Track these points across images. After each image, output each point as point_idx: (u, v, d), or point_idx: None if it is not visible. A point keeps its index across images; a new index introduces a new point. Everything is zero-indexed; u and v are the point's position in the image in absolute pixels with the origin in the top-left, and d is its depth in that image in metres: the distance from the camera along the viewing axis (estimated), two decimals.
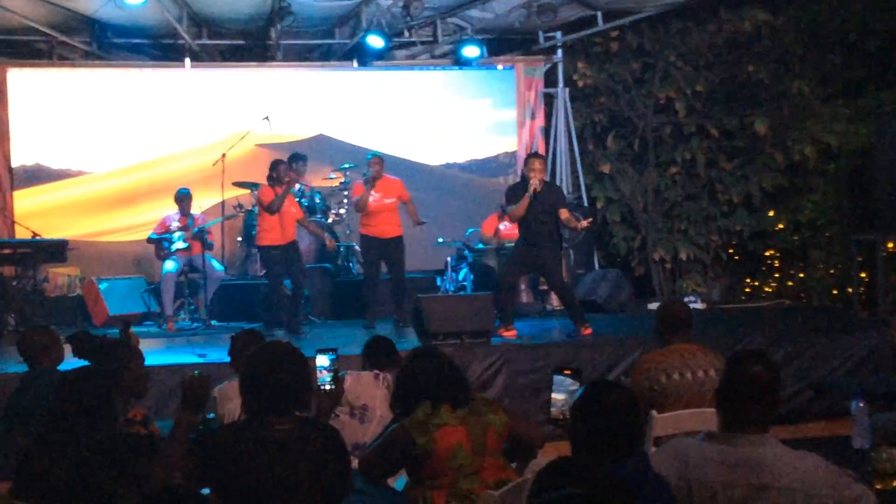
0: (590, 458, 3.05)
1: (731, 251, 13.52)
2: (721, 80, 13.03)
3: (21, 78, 12.22)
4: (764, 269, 13.51)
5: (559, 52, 13.44)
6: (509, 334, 8.95)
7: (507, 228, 11.22)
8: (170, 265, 10.38)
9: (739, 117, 12.96)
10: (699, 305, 11.62)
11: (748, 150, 13.04)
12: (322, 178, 12.29)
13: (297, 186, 10.99)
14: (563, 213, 8.93)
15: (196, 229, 10.46)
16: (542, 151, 13.31)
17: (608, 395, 3.16)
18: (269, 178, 9.94)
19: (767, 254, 13.35)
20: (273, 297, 9.95)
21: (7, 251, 10.25)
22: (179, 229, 10.59)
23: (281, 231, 9.82)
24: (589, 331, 8.98)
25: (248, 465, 3.43)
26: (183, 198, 10.79)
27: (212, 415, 5.03)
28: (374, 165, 10.10)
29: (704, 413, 4.80)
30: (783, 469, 3.19)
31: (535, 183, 8.83)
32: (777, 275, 13.39)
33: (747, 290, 13.55)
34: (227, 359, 7.98)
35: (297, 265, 9.95)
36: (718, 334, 8.98)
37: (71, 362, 5.60)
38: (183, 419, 3.80)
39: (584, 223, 8.96)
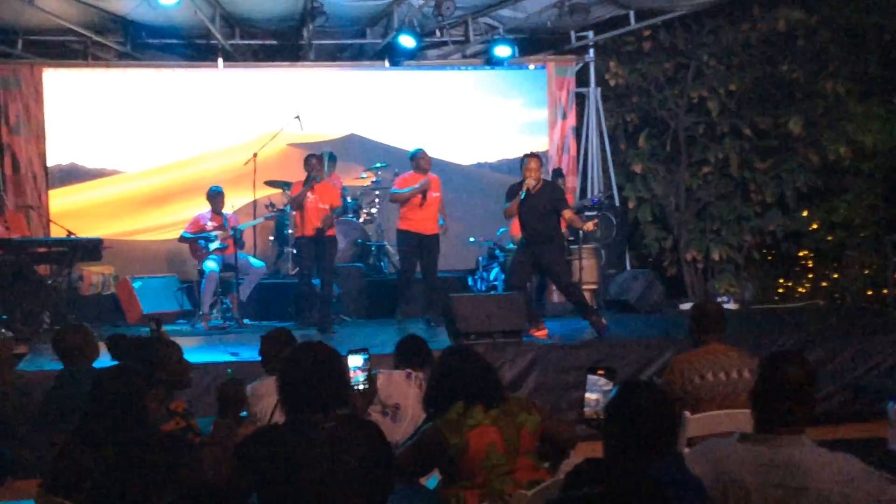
0: (623, 459, 3.03)
1: (764, 251, 13.43)
2: (754, 79, 12.95)
3: (56, 78, 12.33)
4: (797, 269, 13.42)
5: (591, 51, 13.40)
6: (540, 334, 8.94)
7: None
8: (212, 264, 10.43)
9: (773, 117, 12.87)
10: (732, 306, 11.57)
11: (782, 150, 12.94)
12: (353, 178, 12.32)
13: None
14: (567, 214, 9.07)
15: (232, 230, 10.51)
16: (573, 151, 13.30)
17: (642, 396, 3.14)
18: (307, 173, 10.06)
19: (801, 254, 13.26)
20: (303, 290, 9.98)
21: (42, 250, 10.32)
22: (215, 229, 10.64)
23: (306, 224, 9.87)
24: (604, 323, 9.04)
25: (296, 465, 3.43)
26: (215, 196, 10.85)
27: (244, 413, 5.05)
28: (425, 157, 10.13)
29: (738, 414, 4.77)
30: (819, 471, 3.17)
31: (529, 182, 8.95)
32: (811, 275, 13.30)
33: (780, 290, 13.47)
34: (259, 358, 8.08)
35: (326, 261, 9.96)
36: (751, 335, 8.90)
37: (105, 360, 5.66)
38: (222, 424, 3.82)
39: (590, 225, 9.13)
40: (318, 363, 3.63)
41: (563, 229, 9.93)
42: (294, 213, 10.18)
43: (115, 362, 4.60)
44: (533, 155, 9.31)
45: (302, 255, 10.07)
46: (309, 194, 9.89)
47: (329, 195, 10.12)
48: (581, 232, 11.15)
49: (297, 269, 10.21)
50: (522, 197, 8.95)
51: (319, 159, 10.24)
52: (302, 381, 3.59)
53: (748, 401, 3.45)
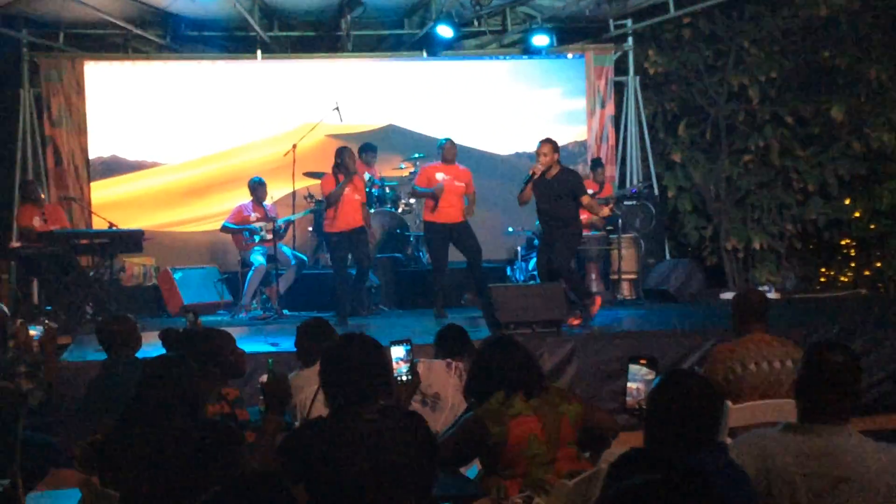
0: (666, 449, 3.01)
1: (805, 240, 13.30)
2: (796, 66, 12.81)
3: (97, 71, 12.44)
4: (840, 258, 13.29)
5: (630, 39, 13.32)
6: (576, 322, 8.89)
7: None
8: (259, 257, 10.49)
9: (815, 104, 12.73)
10: (773, 295, 11.47)
11: (824, 138, 12.81)
12: (392, 168, 12.33)
13: (367, 177, 11.06)
14: (585, 199, 9.07)
15: (278, 224, 10.56)
16: (612, 141, 13.24)
17: (686, 385, 3.12)
18: (335, 165, 10.01)
19: (843, 242, 13.12)
20: (339, 284, 10.00)
21: (84, 241, 10.43)
22: (259, 220, 10.70)
23: (341, 218, 9.85)
24: (592, 314, 9.07)
25: (340, 458, 3.45)
26: (257, 186, 10.89)
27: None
28: (448, 148, 10.10)
29: (781, 404, 4.73)
30: (865, 460, 3.14)
31: (536, 167, 8.99)
32: (853, 264, 13.16)
33: (822, 279, 13.35)
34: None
35: (362, 251, 9.97)
36: (793, 324, 8.81)
37: (147, 350, 5.71)
38: (270, 421, 3.84)
39: (607, 210, 9.27)
40: (361, 354, 3.64)
41: (585, 219, 9.91)
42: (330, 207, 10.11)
43: (161, 350, 4.64)
44: (546, 140, 9.25)
45: (335, 249, 10.05)
46: (346, 188, 9.89)
47: (360, 186, 10.14)
48: (620, 221, 11.13)
49: (334, 264, 10.18)
50: (525, 180, 9.02)
51: (352, 152, 10.21)
52: (345, 373, 3.60)
53: (793, 390, 3.42)
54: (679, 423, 3.05)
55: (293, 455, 3.55)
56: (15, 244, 10.47)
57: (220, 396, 4.56)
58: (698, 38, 13.10)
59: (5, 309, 6.30)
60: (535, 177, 8.99)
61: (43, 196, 11.01)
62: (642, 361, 3.65)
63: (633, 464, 2.01)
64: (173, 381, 3.88)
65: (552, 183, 9.01)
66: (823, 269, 13.39)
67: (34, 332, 6.01)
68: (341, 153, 10.00)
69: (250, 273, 10.50)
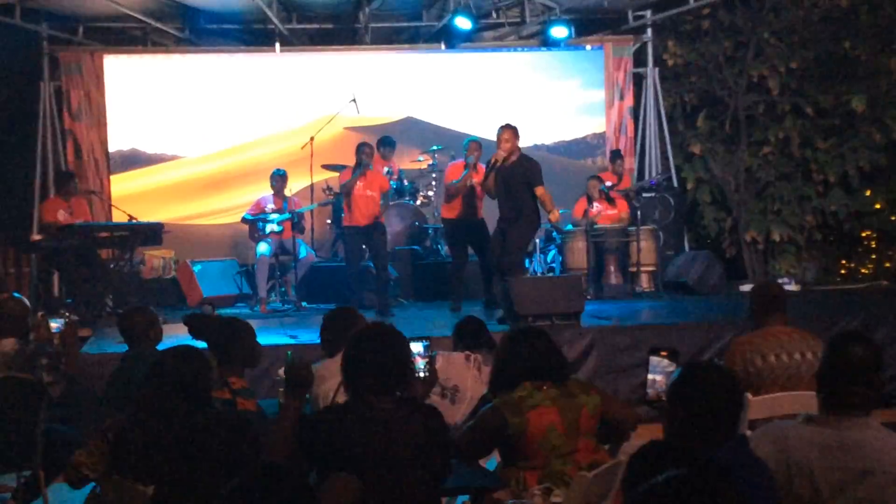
0: (686, 441, 3.00)
1: (825, 232, 13.24)
2: (816, 56, 12.74)
3: (117, 64, 12.49)
4: (860, 249, 13.23)
5: (649, 31, 13.27)
6: None
7: (598, 210, 11.14)
8: (263, 248, 10.51)
9: (835, 95, 12.67)
10: (793, 287, 11.41)
11: (844, 129, 12.74)
12: (410, 161, 12.33)
13: (386, 169, 11.07)
14: (539, 191, 8.77)
15: (289, 213, 10.57)
16: (630, 133, 13.19)
17: (707, 377, 3.10)
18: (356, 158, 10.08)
19: (864, 234, 13.06)
20: (350, 278, 10.02)
21: (104, 234, 10.46)
22: (274, 211, 10.72)
23: (355, 213, 9.88)
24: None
25: (353, 446, 3.48)
26: (278, 178, 10.91)
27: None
28: (475, 151, 10.07)
29: (801, 396, 4.72)
30: (886, 453, 3.12)
31: (498, 154, 8.80)
32: (874, 256, 13.10)
33: (843, 271, 13.29)
34: (318, 340, 8.12)
35: (377, 247, 9.99)
36: (813, 316, 8.76)
37: (168, 343, 5.73)
38: (290, 405, 3.85)
39: (557, 214, 8.82)
40: (383, 345, 3.65)
41: (615, 214, 9.80)
42: (345, 198, 10.19)
43: (183, 342, 4.64)
44: (506, 126, 9.00)
45: (349, 243, 10.09)
46: (358, 182, 9.91)
47: (377, 182, 10.12)
48: (639, 213, 11.10)
49: (346, 257, 10.21)
50: (488, 169, 8.88)
51: (371, 147, 10.23)
52: (366, 363, 3.62)
53: (813, 382, 3.40)
54: (699, 415, 3.04)
55: (308, 441, 3.57)
56: (36, 237, 10.51)
57: (224, 383, 4.58)
58: (718, 28, 13.04)
59: (26, 302, 6.33)
60: (498, 164, 8.82)
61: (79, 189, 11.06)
62: (663, 353, 3.64)
63: (653, 456, 2.00)
64: (189, 371, 3.89)
65: (508, 171, 8.80)
66: (844, 261, 13.33)
67: (55, 324, 6.03)
68: (359, 150, 10.04)
69: (255, 265, 10.55)
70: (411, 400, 3.74)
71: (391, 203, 11.00)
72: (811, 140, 12.85)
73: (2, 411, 5.57)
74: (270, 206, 10.80)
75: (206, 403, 3.89)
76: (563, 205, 11.75)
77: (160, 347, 5.75)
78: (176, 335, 7.20)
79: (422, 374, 4.26)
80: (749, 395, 4.75)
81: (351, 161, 10.22)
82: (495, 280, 9.37)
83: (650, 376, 3.60)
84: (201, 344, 5.41)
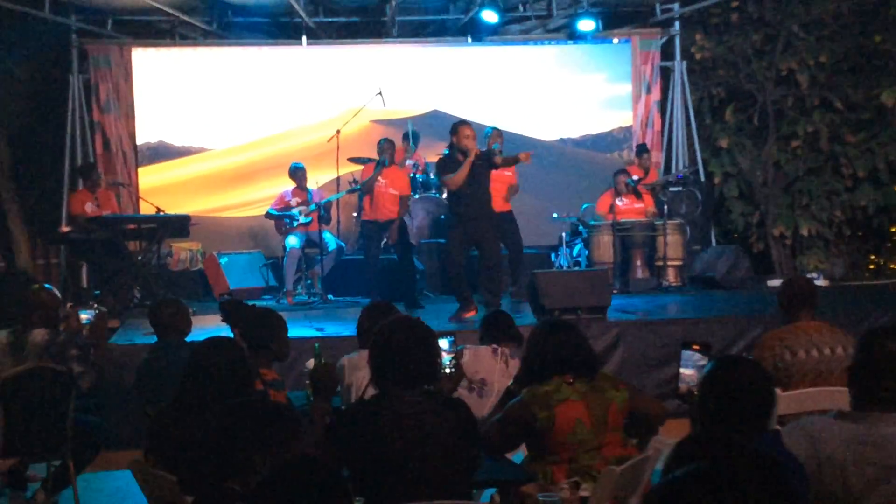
0: (719, 435, 2.99)
1: (854, 227, 13.14)
2: (846, 50, 12.63)
3: (145, 57, 12.55)
4: (889, 245, 13.13)
5: (676, 24, 13.20)
6: (470, 315, 8.63)
7: (624, 205, 11.11)
8: (293, 241, 10.53)
9: (865, 89, 12.56)
10: (821, 282, 11.34)
11: (874, 123, 12.63)
12: (436, 154, 12.27)
13: (411, 162, 11.08)
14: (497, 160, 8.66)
15: (314, 205, 10.58)
16: (657, 126, 13.14)
17: (740, 370, 3.09)
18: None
19: (893, 229, 12.95)
20: (368, 271, 10.02)
21: (132, 226, 10.55)
22: (299, 204, 10.74)
23: (372, 208, 9.91)
24: (468, 314, 8.60)
25: (382, 441, 3.48)
26: (296, 171, 10.93)
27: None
28: (497, 138, 10.02)
29: (831, 391, 4.69)
30: None
31: (476, 150, 8.56)
32: None
33: (871, 266, 13.19)
34: (344, 332, 8.15)
35: (399, 242, 10.01)
36: (842, 312, 8.71)
37: (196, 335, 5.77)
38: (317, 408, 3.87)
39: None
40: (409, 338, 3.65)
41: (642, 208, 9.66)
42: (364, 196, 10.25)
43: (213, 333, 4.67)
44: (465, 122, 8.83)
45: (368, 239, 10.12)
46: (379, 178, 9.93)
47: (400, 181, 10.13)
48: (666, 208, 11.05)
49: (364, 252, 10.23)
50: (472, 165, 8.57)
51: (391, 143, 10.25)
52: (392, 356, 3.62)
53: (844, 378, 3.38)
54: (731, 408, 3.03)
55: (337, 436, 3.58)
56: (64, 229, 10.59)
57: (256, 374, 4.60)
58: (746, 22, 12.95)
59: (57, 293, 6.38)
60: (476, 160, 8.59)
61: (103, 180, 11.13)
62: (695, 347, 3.61)
63: (696, 449, 1.99)
64: (225, 363, 3.92)
65: (477, 167, 8.64)
66: (873, 256, 13.24)
67: (85, 315, 6.08)
68: (379, 146, 10.08)
69: (285, 258, 10.58)
70: (437, 394, 3.73)
71: (417, 196, 11.02)
72: (840, 134, 12.75)
73: (32, 401, 5.62)
74: (294, 199, 10.82)
75: (247, 392, 3.92)
76: (589, 199, 11.77)
77: (188, 339, 5.80)
78: (203, 327, 7.26)
79: (447, 370, 4.26)
80: (778, 391, 4.73)
81: (377, 154, 10.26)
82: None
83: (682, 370, 3.58)
84: (230, 333, 5.45)
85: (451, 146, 8.73)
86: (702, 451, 1.90)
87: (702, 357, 3.55)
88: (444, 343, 4.29)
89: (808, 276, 11.04)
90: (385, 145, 10.12)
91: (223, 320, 5.58)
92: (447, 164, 8.67)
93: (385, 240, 10.29)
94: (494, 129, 10.19)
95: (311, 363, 4.80)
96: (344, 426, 3.61)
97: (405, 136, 11.45)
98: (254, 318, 5.04)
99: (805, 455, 3.15)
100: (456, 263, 8.70)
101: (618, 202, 11.16)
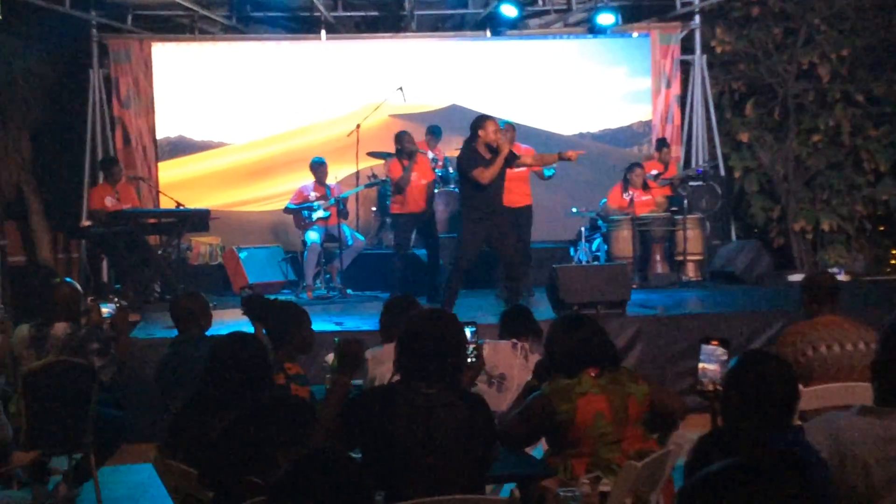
0: (742, 430, 2.98)
1: (876, 221, 13.06)
2: (868, 44, 12.55)
3: (165, 52, 12.58)
4: None
5: (697, 17, 13.12)
6: None
7: (631, 197, 11.07)
8: (313, 235, 10.53)
9: (887, 82, 12.49)
10: (842, 277, 11.27)
11: None
12: (455, 149, 12.22)
13: (431, 156, 11.07)
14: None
15: (333, 199, 10.58)
16: (677, 121, 13.08)
17: (766, 366, 3.08)
18: (397, 151, 10.04)
19: None
20: (396, 264, 10.03)
21: (153, 220, 10.59)
22: (318, 199, 10.75)
23: (409, 202, 9.87)
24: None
25: (395, 428, 3.49)
26: (318, 166, 10.93)
27: (356, 381, 5.10)
28: (508, 132, 10.00)
29: (853, 387, 4.66)
30: None
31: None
32: None
33: (893, 261, 13.10)
34: (363, 326, 8.17)
35: (430, 233, 9.99)
36: (864, 307, 8.65)
37: (217, 329, 5.78)
38: (340, 381, 3.88)
39: None
40: (440, 330, 3.65)
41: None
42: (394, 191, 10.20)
43: (233, 328, 4.68)
44: (490, 117, 8.64)
45: (401, 230, 10.10)
46: (413, 172, 9.92)
47: (425, 169, 10.15)
48: (685, 202, 11.02)
49: (396, 244, 10.20)
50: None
51: (410, 134, 10.20)
52: (421, 347, 3.62)
53: (868, 373, 3.35)
54: (756, 403, 3.01)
55: (351, 420, 3.59)
56: (85, 223, 10.64)
57: (280, 368, 4.61)
58: (767, 15, 12.87)
59: (78, 287, 6.41)
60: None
61: (123, 175, 11.16)
62: (714, 343, 3.59)
63: (719, 444, 1.98)
64: (243, 358, 3.92)
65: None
66: (894, 251, 13.14)
67: (106, 309, 6.11)
68: (400, 138, 10.04)
69: (305, 252, 10.58)
70: (456, 387, 3.73)
71: (436, 191, 11.01)
72: (862, 128, 12.67)
73: (54, 395, 5.66)
74: (313, 194, 10.83)
75: (267, 387, 3.93)
76: (607, 193, 11.74)
77: (208, 333, 5.81)
78: (223, 321, 7.28)
79: (470, 360, 4.26)
80: (800, 386, 4.70)
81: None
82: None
83: (702, 365, 3.55)
84: (250, 327, 5.47)
85: (471, 139, 8.51)
86: (725, 446, 1.90)
87: (723, 352, 3.52)
88: (466, 333, 4.29)
89: (830, 270, 10.99)
90: (406, 137, 10.08)
91: (245, 314, 5.60)
92: (475, 158, 8.39)
93: (415, 232, 10.25)
94: (508, 123, 10.16)
95: (330, 357, 4.82)
96: (359, 410, 3.62)
97: (429, 130, 11.44)
98: (277, 311, 5.04)
99: (828, 451, 3.13)
100: (466, 259, 8.49)
101: (624, 196, 11.13)
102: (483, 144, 8.40)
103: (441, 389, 3.58)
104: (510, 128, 10.08)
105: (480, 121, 8.51)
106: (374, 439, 3.52)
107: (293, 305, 5.15)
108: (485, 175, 8.24)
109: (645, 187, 11.22)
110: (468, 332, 4.30)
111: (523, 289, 9.72)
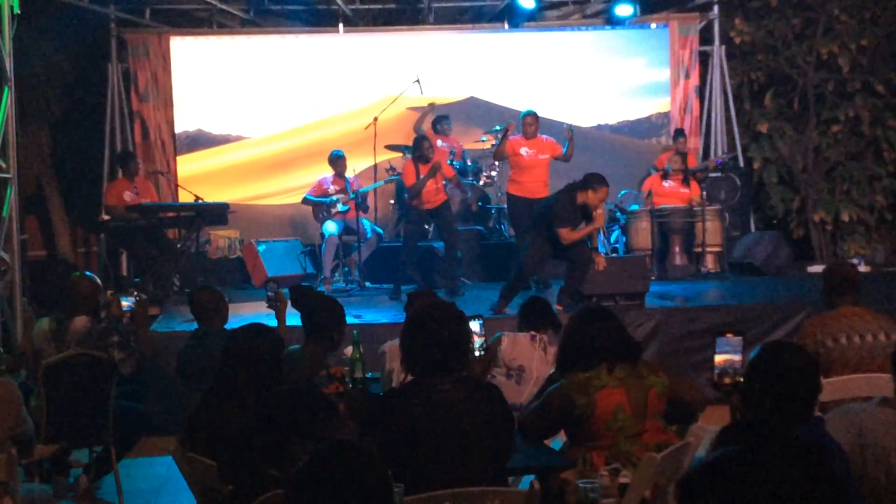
0: (764, 421, 2.96)
1: None
2: (888, 34, 12.45)
3: (183, 46, 12.61)
4: None
5: (715, 8, 13.05)
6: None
7: (670, 187, 11.05)
8: (331, 227, 10.53)
9: None
10: (863, 268, 11.19)
11: None
12: (473, 141, 12.29)
13: (450, 150, 11.06)
14: None
15: (353, 194, 10.59)
16: (696, 112, 13.03)
17: (788, 357, 3.07)
18: (413, 156, 9.97)
19: None
20: (404, 257, 10.02)
21: (172, 214, 10.63)
22: (337, 192, 10.75)
23: (423, 200, 9.82)
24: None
25: (416, 426, 3.48)
26: (337, 160, 10.93)
27: (370, 374, 5.11)
28: (532, 124, 9.98)
29: (874, 378, 4.64)
30: None
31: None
32: None
33: None
34: (382, 320, 8.20)
35: (447, 227, 9.98)
36: (884, 298, 8.61)
37: (234, 322, 5.79)
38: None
39: None
40: (438, 324, 3.63)
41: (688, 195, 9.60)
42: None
43: (249, 320, 4.68)
44: (605, 183, 8.45)
45: (412, 223, 10.09)
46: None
47: (441, 179, 10.08)
48: (705, 194, 10.97)
49: (405, 235, 10.20)
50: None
51: (430, 140, 10.13)
52: (423, 343, 3.60)
53: (889, 364, 3.33)
54: (778, 394, 3.00)
55: (371, 423, 3.58)
56: (105, 217, 10.68)
57: (330, 376, 4.52)
58: (786, 5, 12.78)
59: (98, 280, 6.44)
60: None
61: (141, 169, 11.20)
62: (729, 334, 3.56)
63: (738, 437, 1.97)
64: (262, 350, 3.93)
65: None
66: None
67: (126, 302, 6.13)
68: (419, 144, 9.93)
69: (323, 245, 10.59)
70: (469, 379, 3.71)
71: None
72: (882, 119, 12.58)
73: (74, 388, 5.69)
74: (332, 187, 10.84)
75: (279, 380, 3.92)
76: (627, 185, 11.71)
77: (227, 326, 5.82)
78: (240, 314, 7.31)
79: (478, 353, 4.25)
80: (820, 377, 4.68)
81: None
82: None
83: (717, 356, 3.52)
84: (272, 322, 5.46)
85: (575, 189, 8.34)
86: (746, 438, 1.88)
87: (739, 341, 3.50)
88: (474, 326, 4.28)
89: (850, 261, 10.92)
90: (426, 143, 9.95)
91: (293, 304, 5.52)
92: (571, 215, 8.26)
93: (428, 227, 10.24)
94: (531, 114, 10.11)
95: (349, 350, 4.82)
96: (378, 411, 3.62)
97: (435, 122, 11.39)
98: (323, 304, 4.99)
99: (848, 442, 3.12)
100: (530, 266, 8.58)
101: (664, 184, 11.11)
102: (582, 204, 8.26)
103: (456, 383, 3.57)
104: (534, 119, 10.05)
105: (596, 182, 8.30)
106: (396, 442, 3.49)
107: (338, 303, 5.10)
108: (570, 236, 8.19)
109: (685, 181, 11.16)
110: (477, 324, 4.29)
111: (550, 283, 9.73)
